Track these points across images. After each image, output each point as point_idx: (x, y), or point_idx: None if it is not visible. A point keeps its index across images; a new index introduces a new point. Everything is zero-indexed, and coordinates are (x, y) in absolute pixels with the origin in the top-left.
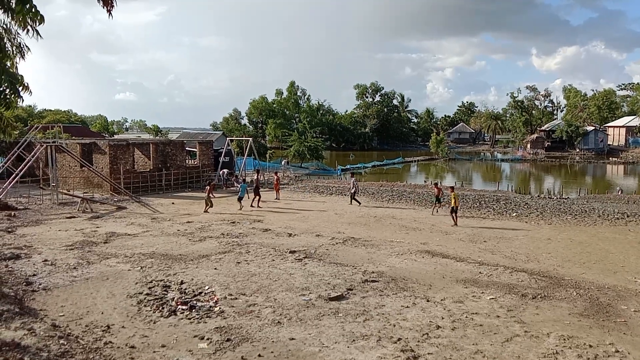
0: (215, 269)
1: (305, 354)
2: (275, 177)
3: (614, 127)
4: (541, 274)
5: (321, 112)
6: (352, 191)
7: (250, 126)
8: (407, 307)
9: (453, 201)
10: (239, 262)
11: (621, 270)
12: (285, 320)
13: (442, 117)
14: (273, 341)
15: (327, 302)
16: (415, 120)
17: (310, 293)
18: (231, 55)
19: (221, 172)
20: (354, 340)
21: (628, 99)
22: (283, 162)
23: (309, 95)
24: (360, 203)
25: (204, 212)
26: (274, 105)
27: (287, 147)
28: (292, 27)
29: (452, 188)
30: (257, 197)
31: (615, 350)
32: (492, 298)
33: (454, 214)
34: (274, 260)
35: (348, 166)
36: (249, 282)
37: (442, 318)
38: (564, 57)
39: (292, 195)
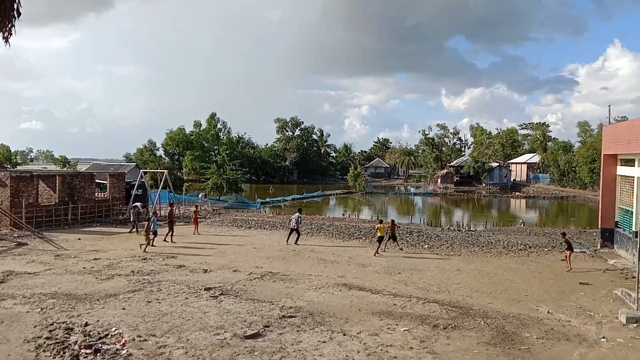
0: (124, 308)
1: None
2: (194, 210)
3: (517, 163)
4: (452, 304)
5: (241, 144)
6: (293, 227)
7: (166, 158)
8: (324, 342)
9: (379, 232)
10: (149, 301)
11: (524, 299)
12: None
13: (359, 152)
14: None
15: (243, 341)
16: (334, 154)
17: (225, 332)
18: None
19: (133, 206)
20: None
21: (528, 137)
22: (200, 195)
23: (230, 128)
24: (296, 240)
25: (144, 251)
26: (192, 137)
27: (205, 179)
28: (211, 59)
29: (381, 221)
30: (170, 232)
31: None
32: (406, 329)
33: (379, 243)
34: (187, 298)
35: (268, 199)
36: (160, 322)
37: (358, 352)
38: (470, 98)
39: (210, 229)
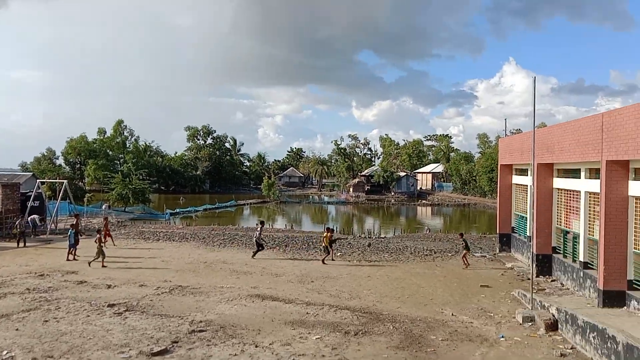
0: (17, 329)
1: None
2: (105, 222)
3: (422, 173)
4: (362, 310)
5: (149, 153)
6: (256, 240)
7: (67, 167)
8: (236, 354)
9: (324, 240)
10: (46, 321)
11: (430, 302)
12: None
13: (273, 161)
14: None
15: (150, 358)
16: (248, 163)
17: (130, 350)
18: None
19: (30, 219)
20: None
21: (433, 148)
22: (104, 207)
23: (137, 136)
24: (256, 252)
25: (102, 266)
26: (95, 145)
27: (109, 189)
28: (119, 65)
29: (329, 229)
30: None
31: None
32: (318, 338)
33: (328, 253)
34: (89, 315)
35: (178, 210)
36: (58, 342)
37: None
38: (379, 110)
39: (114, 242)
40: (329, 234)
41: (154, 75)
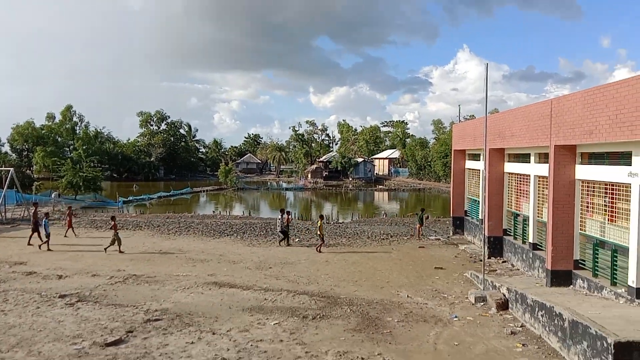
0: None
1: None
2: (68, 211)
3: (379, 158)
4: (320, 294)
5: (100, 139)
6: (280, 229)
7: (13, 154)
8: (192, 342)
9: (319, 229)
10: None
11: (387, 285)
12: None
13: (230, 148)
14: None
15: (103, 349)
16: (204, 150)
17: (83, 341)
18: None
19: None
20: None
21: (389, 134)
22: (53, 195)
23: (88, 122)
24: (282, 240)
25: (120, 251)
26: (44, 131)
27: (59, 177)
28: (66, 48)
29: (322, 217)
30: (33, 235)
31: (383, 359)
32: (276, 323)
33: (323, 241)
34: (39, 307)
35: (131, 198)
36: (7, 335)
37: (228, 349)
38: (337, 96)
39: (64, 231)
40: (320, 222)
41: (104, 59)
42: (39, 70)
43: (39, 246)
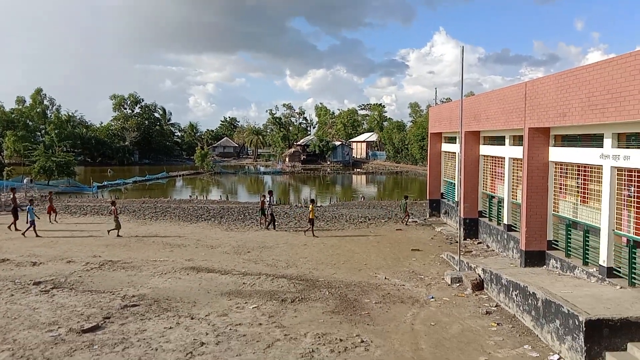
0: None
1: None
2: (49, 196)
3: (357, 142)
4: (299, 278)
5: (72, 123)
6: (269, 211)
7: None
8: (171, 327)
9: (310, 213)
10: None
11: (364, 267)
12: None
13: (206, 131)
14: None
15: (80, 335)
16: (179, 134)
17: (59, 327)
18: None
19: None
20: None
21: (367, 117)
22: (25, 180)
23: (59, 106)
24: (270, 226)
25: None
26: (14, 115)
27: (31, 162)
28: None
29: (313, 201)
30: (15, 220)
31: (361, 340)
32: (255, 307)
33: (311, 225)
34: (13, 295)
35: (105, 183)
36: None
37: (207, 334)
38: (314, 79)
39: (56, 219)
40: (312, 206)
41: (74, 41)
42: (4, 52)
43: (23, 233)
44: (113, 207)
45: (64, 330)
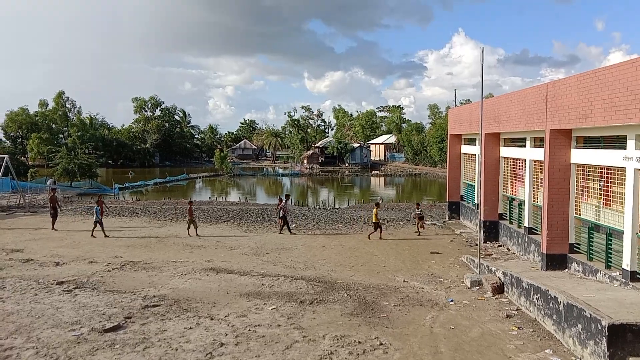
0: None
1: None
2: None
3: (375, 144)
4: (317, 279)
5: (94, 125)
6: (282, 214)
7: (8, 141)
8: (191, 328)
9: (374, 217)
10: None
11: (383, 270)
12: None
13: (225, 134)
14: None
15: (102, 335)
16: (199, 136)
17: (81, 327)
18: None
19: None
20: None
21: (385, 119)
22: (49, 182)
23: (80, 108)
24: (283, 226)
25: (190, 234)
26: (37, 118)
27: (54, 164)
28: (58, 34)
29: (378, 205)
30: (54, 220)
31: (380, 343)
32: (274, 308)
33: (378, 230)
34: (37, 294)
35: (127, 184)
36: (5, 322)
37: (226, 334)
38: (331, 81)
39: (60, 218)
40: (375, 209)
41: (95, 44)
42: (26, 55)
43: (92, 234)
44: (189, 206)
45: (86, 330)
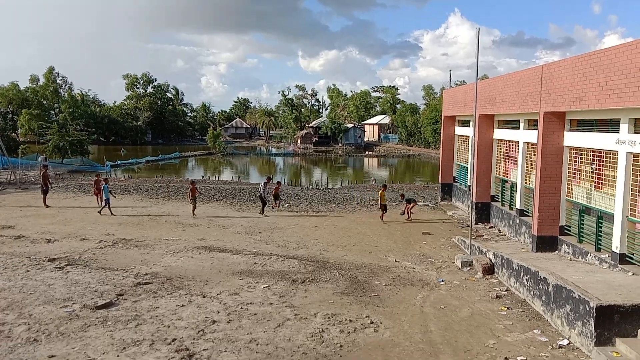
0: None
1: None
2: (97, 178)
3: (369, 124)
4: (309, 259)
5: (85, 102)
6: (260, 195)
7: None
8: (183, 305)
9: (381, 199)
10: None
11: (375, 250)
12: (43, 337)
13: (218, 112)
14: None
15: (94, 312)
16: (192, 114)
17: (73, 304)
18: None
19: None
20: (124, 347)
21: (380, 99)
22: (40, 159)
23: (72, 84)
24: (262, 209)
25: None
26: (28, 94)
27: (45, 141)
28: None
29: (385, 187)
30: (45, 197)
31: (371, 321)
32: (266, 286)
33: (383, 212)
34: (28, 271)
35: (119, 162)
36: None
37: (218, 312)
38: (326, 60)
39: (51, 195)
40: (381, 191)
41: (86, 20)
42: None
43: (99, 211)
44: (192, 186)
45: (78, 307)
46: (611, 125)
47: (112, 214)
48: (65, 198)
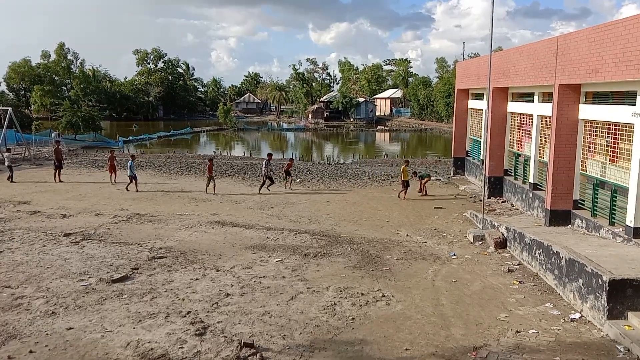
0: None
1: (86, 342)
2: (111, 154)
3: (381, 98)
4: (321, 233)
5: (97, 78)
6: (265, 173)
7: (11, 94)
8: (197, 279)
9: (403, 175)
10: (0, 252)
11: (386, 224)
12: (61, 309)
13: (229, 87)
14: (47, 334)
15: (110, 285)
16: (203, 89)
17: (89, 277)
18: None
19: None
20: (140, 320)
21: (392, 73)
22: (53, 135)
23: (83, 60)
24: (261, 186)
25: (210, 192)
26: (40, 70)
27: (58, 117)
28: None
29: (407, 162)
30: (57, 171)
31: (382, 295)
32: (279, 260)
33: (405, 188)
34: (45, 245)
35: (131, 137)
36: (15, 272)
37: (232, 285)
38: (337, 33)
39: (66, 171)
40: (404, 166)
41: None
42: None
43: (126, 187)
44: (210, 163)
45: (94, 280)
46: (627, 98)
47: (137, 190)
48: (79, 174)
